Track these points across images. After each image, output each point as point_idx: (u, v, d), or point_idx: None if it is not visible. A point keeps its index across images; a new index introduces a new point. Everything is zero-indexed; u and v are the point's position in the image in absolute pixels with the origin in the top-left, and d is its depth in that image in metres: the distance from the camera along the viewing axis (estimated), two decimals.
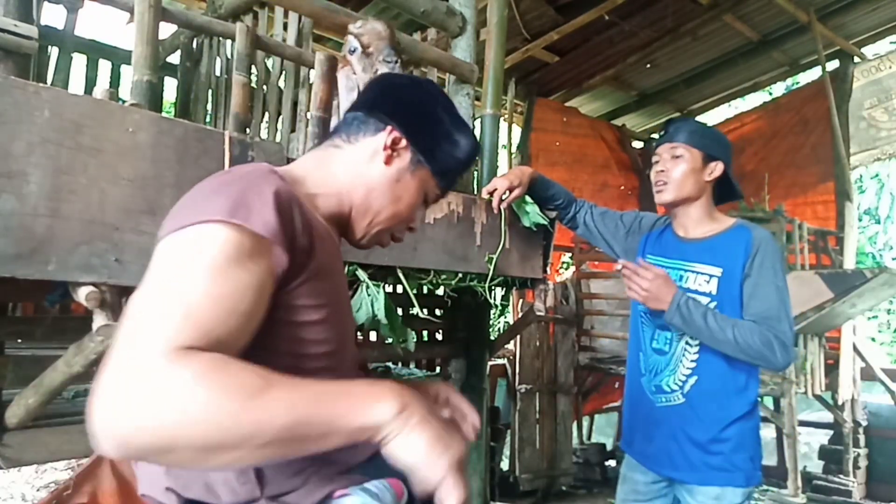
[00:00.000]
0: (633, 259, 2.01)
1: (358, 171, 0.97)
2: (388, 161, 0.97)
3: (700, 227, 1.85)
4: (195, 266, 0.71)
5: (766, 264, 1.71)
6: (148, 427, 0.61)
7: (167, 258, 0.74)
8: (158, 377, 0.62)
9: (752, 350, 1.64)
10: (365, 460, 0.86)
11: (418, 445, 0.69)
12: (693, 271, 1.80)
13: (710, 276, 1.77)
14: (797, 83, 9.26)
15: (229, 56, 2.68)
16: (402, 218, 1.02)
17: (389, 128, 0.97)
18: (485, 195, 2.05)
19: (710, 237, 1.82)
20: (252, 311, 0.73)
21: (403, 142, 0.97)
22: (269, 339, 0.78)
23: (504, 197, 1.98)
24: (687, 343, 1.79)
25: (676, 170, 1.81)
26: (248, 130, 1.96)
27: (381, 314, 1.71)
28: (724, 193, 1.90)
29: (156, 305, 0.68)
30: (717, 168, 1.82)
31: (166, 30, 2.15)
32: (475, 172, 2.61)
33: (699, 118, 7.88)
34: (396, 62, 1.71)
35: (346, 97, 1.79)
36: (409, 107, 1.00)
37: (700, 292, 1.77)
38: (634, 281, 1.75)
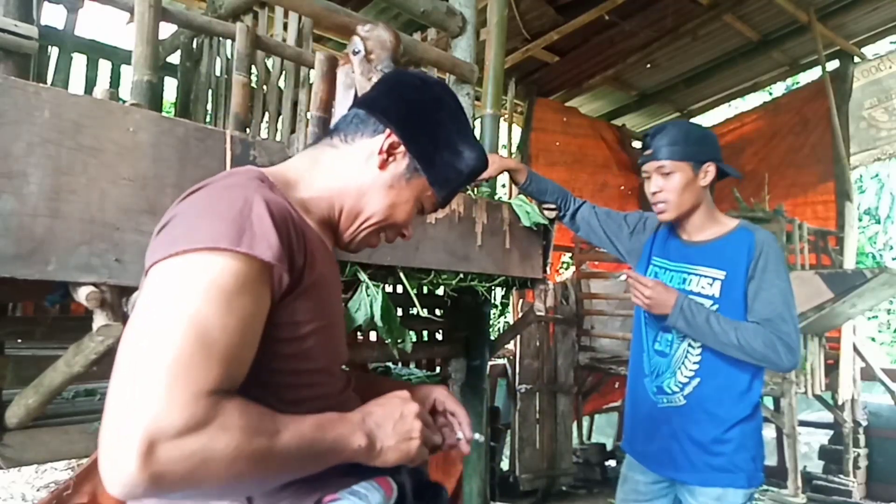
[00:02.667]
0: (636, 259, 2.01)
1: (352, 173, 0.94)
2: (382, 165, 0.94)
3: (703, 230, 1.84)
4: (210, 300, 0.70)
5: (769, 267, 1.71)
6: (185, 466, 0.64)
7: (177, 286, 0.71)
8: (199, 431, 0.65)
9: (755, 352, 1.64)
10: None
11: (379, 464, 0.84)
12: (696, 274, 1.80)
13: (714, 279, 1.77)
14: (797, 83, 9.27)
15: (229, 56, 2.68)
16: (392, 224, 0.99)
17: (388, 131, 0.93)
18: None
19: (713, 240, 1.82)
20: (258, 338, 0.75)
21: (401, 147, 0.94)
22: (260, 356, 0.77)
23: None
24: (689, 345, 1.79)
25: (671, 188, 1.78)
26: (247, 130, 1.96)
27: (378, 316, 1.71)
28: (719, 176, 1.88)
29: (179, 343, 0.67)
30: (709, 170, 1.80)
31: (166, 30, 2.15)
32: None
33: (699, 118, 7.89)
34: None
35: (343, 94, 1.79)
36: (412, 110, 0.95)
37: (703, 295, 1.77)
38: (637, 289, 1.75)
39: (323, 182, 0.94)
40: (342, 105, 1.80)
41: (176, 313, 0.69)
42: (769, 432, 5.49)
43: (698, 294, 1.78)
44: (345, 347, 1.00)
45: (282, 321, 0.79)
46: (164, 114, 1.40)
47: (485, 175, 1.98)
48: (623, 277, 1.83)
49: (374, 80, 1.70)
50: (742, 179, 2.02)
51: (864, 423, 5.81)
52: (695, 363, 1.78)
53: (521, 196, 2.17)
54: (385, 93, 0.98)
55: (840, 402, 5.47)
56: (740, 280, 1.73)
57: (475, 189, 2.16)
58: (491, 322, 3.11)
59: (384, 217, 0.97)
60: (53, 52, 2.95)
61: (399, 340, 1.84)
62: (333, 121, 1.85)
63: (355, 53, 1.73)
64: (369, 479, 0.85)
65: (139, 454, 0.61)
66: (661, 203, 1.82)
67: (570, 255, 7.01)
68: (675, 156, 1.77)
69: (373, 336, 2.91)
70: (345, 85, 1.78)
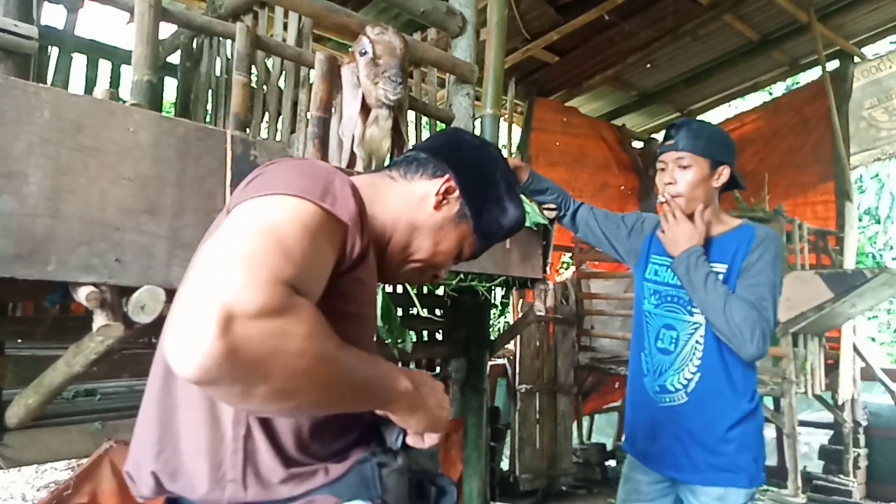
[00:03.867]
0: (634, 259, 2.01)
1: (407, 207, 1.00)
2: (437, 206, 1.00)
3: (708, 229, 1.84)
4: (292, 225, 0.72)
5: (764, 258, 1.72)
6: (259, 348, 0.62)
7: (263, 212, 0.74)
8: (275, 314, 0.64)
9: (732, 324, 1.64)
10: (336, 479, 0.85)
11: (413, 424, 0.88)
12: None
13: (717, 273, 1.77)
14: (797, 83, 9.26)
15: (229, 56, 2.68)
16: (435, 263, 1.04)
17: (447, 176, 1.01)
18: None
19: (717, 237, 1.82)
20: (324, 284, 0.77)
21: (456, 193, 1.01)
22: None
23: None
24: (696, 342, 1.79)
25: (685, 181, 1.78)
26: (247, 130, 1.96)
27: (378, 316, 1.71)
28: (727, 185, 1.89)
29: (258, 241, 0.69)
30: (724, 173, 1.81)
31: (166, 30, 2.15)
32: None
33: (699, 118, 7.88)
34: (400, 83, 1.70)
35: (351, 93, 1.78)
36: (471, 163, 1.04)
37: None
38: (668, 218, 1.80)
39: (379, 205, 0.98)
40: (349, 104, 1.79)
41: (257, 223, 0.72)
42: (769, 432, 5.49)
43: None
44: (373, 349, 1.02)
45: (335, 292, 0.81)
46: (164, 114, 1.40)
47: None
48: (661, 200, 1.83)
49: (382, 85, 1.70)
50: (745, 190, 2.03)
51: (864, 423, 5.81)
52: (699, 359, 1.78)
53: (521, 196, 2.17)
54: (446, 143, 1.08)
55: (840, 402, 5.47)
56: (738, 270, 1.74)
57: None
58: (491, 322, 3.11)
59: (429, 255, 1.02)
60: (53, 52, 2.95)
61: (399, 340, 1.85)
62: (335, 120, 1.85)
63: (362, 55, 1.72)
64: (361, 498, 0.85)
65: (217, 326, 0.60)
66: (672, 196, 1.82)
67: (570, 255, 7.01)
68: (697, 150, 1.77)
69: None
70: (351, 84, 1.78)
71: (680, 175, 1.79)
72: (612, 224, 2.06)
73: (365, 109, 1.78)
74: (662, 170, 1.84)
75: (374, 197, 0.97)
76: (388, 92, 1.70)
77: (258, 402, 0.68)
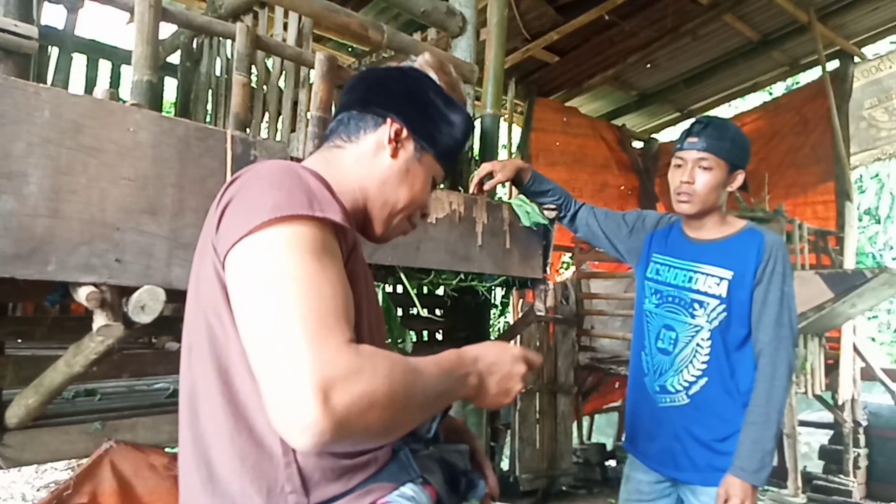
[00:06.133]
0: (636, 258, 2.00)
1: (366, 167, 0.98)
2: (394, 154, 0.98)
3: (712, 230, 1.84)
4: (307, 262, 0.75)
5: (777, 270, 1.71)
6: (358, 410, 0.68)
7: (274, 254, 0.75)
8: (358, 374, 0.69)
9: (784, 392, 1.70)
10: (382, 467, 0.87)
11: (488, 402, 0.92)
12: (703, 273, 1.80)
13: (721, 278, 1.76)
14: (797, 83, 9.26)
15: (229, 56, 2.68)
16: (418, 203, 1.03)
17: (389, 120, 0.98)
18: (472, 187, 2.05)
19: (722, 239, 1.81)
20: (349, 290, 0.80)
21: (405, 132, 0.98)
22: None
23: (485, 181, 1.99)
24: (698, 345, 1.78)
25: (703, 183, 1.76)
26: (247, 130, 1.96)
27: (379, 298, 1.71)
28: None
29: (306, 302, 0.72)
30: (739, 178, 1.80)
31: (166, 30, 2.14)
32: (474, 172, 2.62)
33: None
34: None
35: None
36: (403, 96, 1.00)
37: (710, 294, 1.77)
38: None
39: (341, 179, 0.97)
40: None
41: (288, 278, 0.73)
42: None
43: (705, 293, 1.78)
44: (383, 331, 1.04)
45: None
46: (164, 114, 1.40)
47: (500, 178, 1.99)
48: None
49: None
50: (748, 192, 2.02)
51: (864, 423, 5.81)
52: (703, 362, 1.78)
53: (522, 196, 2.17)
54: (370, 88, 1.03)
55: (840, 402, 5.47)
56: (748, 281, 1.73)
57: (493, 196, 2.15)
58: (491, 322, 3.11)
59: (410, 200, 1.01)
60: (53, 52, 2.94)
61: (399, 340, 1.85)
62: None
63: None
64: (416, 482, 0.88)
65: (319, 404, 0.65)
66: (686, 194, 1.79)
67: (570, 255, 7.01)
68: (721, 152, 1.76)
69: None
70: None
71: (699, 175, 1.77)
72: (612, 223, 2.06)
73: None
74: (678, 166, 1.82)
75: (333, 173, 0.96)
76: None
77: (368, 443, 0.79)
